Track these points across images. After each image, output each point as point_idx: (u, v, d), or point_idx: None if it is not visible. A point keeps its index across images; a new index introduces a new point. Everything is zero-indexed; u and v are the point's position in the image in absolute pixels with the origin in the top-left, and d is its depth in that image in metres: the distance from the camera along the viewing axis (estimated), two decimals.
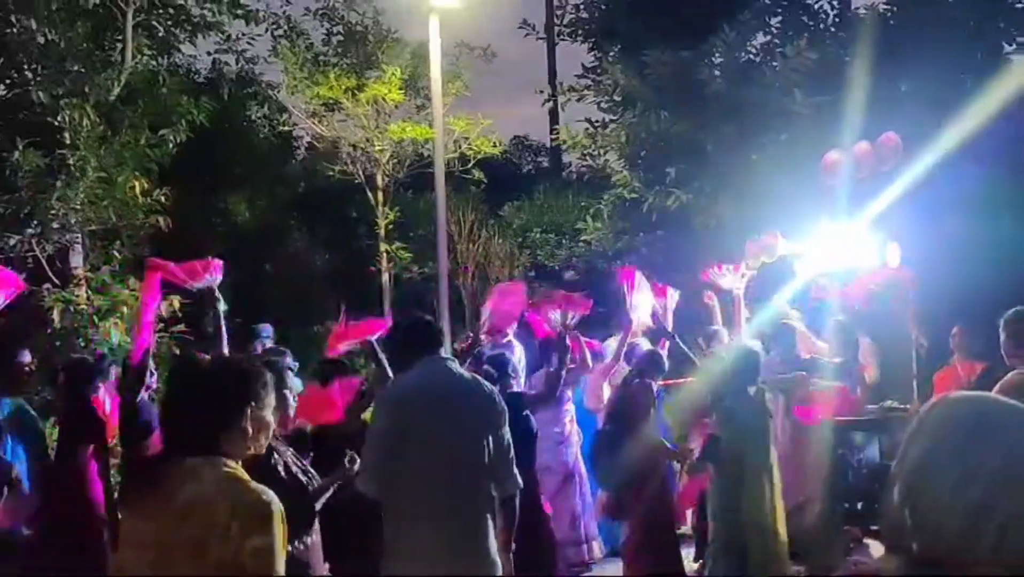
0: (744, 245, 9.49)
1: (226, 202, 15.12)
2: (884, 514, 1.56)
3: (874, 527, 5.93)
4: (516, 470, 3.72)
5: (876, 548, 5.57)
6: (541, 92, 16.36)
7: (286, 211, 16.01)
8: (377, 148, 14.52)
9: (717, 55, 13.54)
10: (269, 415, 2.65)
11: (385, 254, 14.70)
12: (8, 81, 12.33)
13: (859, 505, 6.56)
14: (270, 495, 2.48)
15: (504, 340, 7.69)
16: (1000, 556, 1.41)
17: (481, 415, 3.61)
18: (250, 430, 2.58)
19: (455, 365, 3.81)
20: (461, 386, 3.66)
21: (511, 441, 3.68)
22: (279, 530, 2.45)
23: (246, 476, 2.55)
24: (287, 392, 4.21)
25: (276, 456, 3.73)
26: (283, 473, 3.68)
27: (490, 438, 3.57)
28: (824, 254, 8.36)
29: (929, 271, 8.34)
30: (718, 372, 6.52)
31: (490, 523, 3.55)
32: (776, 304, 7.90)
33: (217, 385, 2.63)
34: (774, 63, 13.41)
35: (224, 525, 2.39)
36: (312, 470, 3.90)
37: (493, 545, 3.55)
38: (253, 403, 2.59)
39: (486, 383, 3.86)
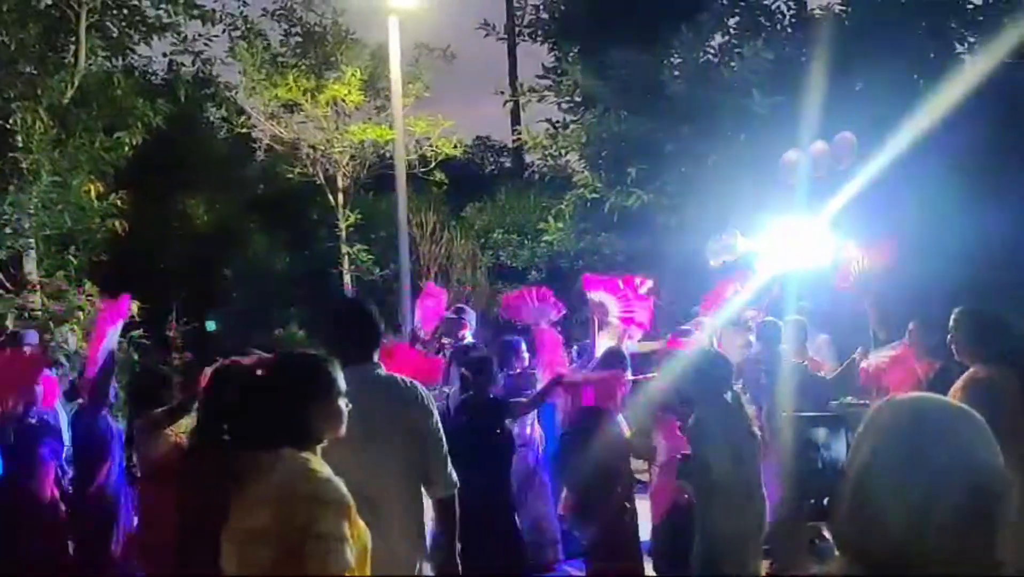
0: (705, 243, 9.58)
1: (184, 205, 14.94)
2: (835, 514, 1.58)
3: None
4: (451, 470, 3.60)
5: None
6: (502, 93, 16.35)
7: (245, 214, 15.86)
8: (337, 149, 14.43)
9: (676, 56, 13.61)
10: (341, 404, 2.76)
11: (347, 256, 14.60)
12: None
13: (824, 501, 6.58)
14: (339, 485, 2.55)
15: (462, 339, 7.68)
16: (942, 556, 1.43)
17: (399, 418, 3.48)
18: (320, 421, 2.69)
19: (380, 370, 3.64)
20: (379, 389, 3.51)
21: (442, 439, 3.58)
22: (345, 520, 2.51)
23: (318, 466, 2.61)
24: None
25: None
26: None
27: (414, 439, 3.48)
28: (784, 252, 8.43)
29: (885, 268, 8.44)
30: (683, 371, 6.58)
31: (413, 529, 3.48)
32: (735, 304, 7.92)
33: (285, 379, 2.74)
34: (732, 64, 13.51)
35: (296, 514, 2.47)
36: None
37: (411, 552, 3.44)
38: (321, 395, 2.71)
39: (406, 380, 3.66)
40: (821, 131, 9.87)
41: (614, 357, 6.67)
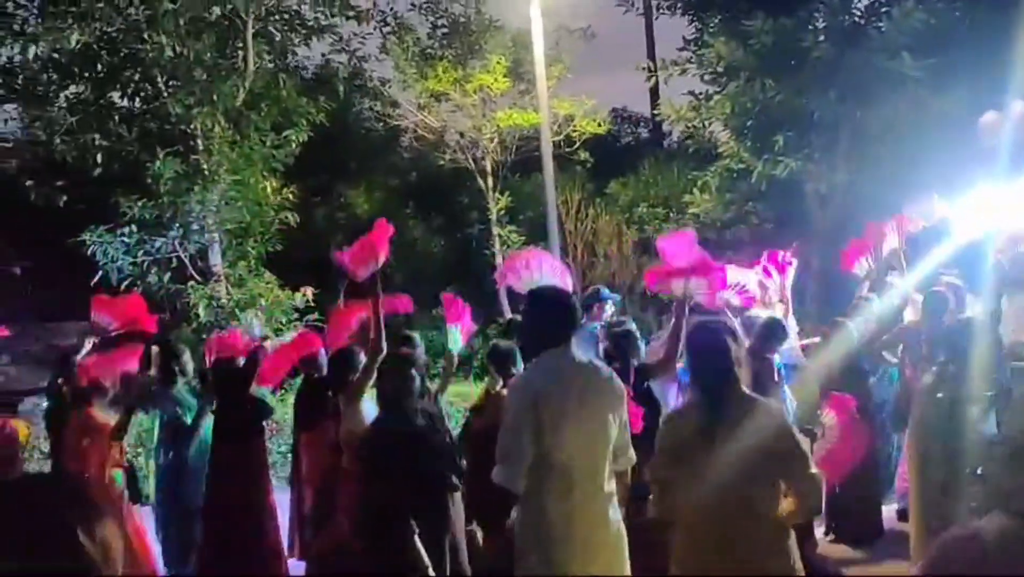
0: (855, 209, 9.44)
1: (344, 196, 15.81)
2: (991, 473, 1.87)
3: None
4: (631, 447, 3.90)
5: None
6: (644, 68, 16.44)
7: (401, 201, 16.62)
8: (486, 136, 14.95)
9: (820, 20, 13.44)
10: None
11: (498, 238, 15.13)
12: (143, 94, 13.23)
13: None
14: None
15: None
16: None
17: (604, 399, 3.75)
18: None
19: (579, 353, 3.85)
20: (583, 373, 3.74)
21: (627, 420, 3.86)
22: None
23: None
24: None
25: None
26: None
27: (614, 419, 3.75)
28: (983, 215, 8.32)
29: None
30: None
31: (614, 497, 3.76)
32: (929, 267, 7.85)
33: None
34: (880, 25, 13.25)
35: None
36: None
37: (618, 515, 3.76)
38: None
39: (601, 365, 3.94)
40: (988, 93, 9.61)
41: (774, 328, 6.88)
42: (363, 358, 5.26)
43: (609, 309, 7.74)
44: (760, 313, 7.99)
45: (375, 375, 4.74)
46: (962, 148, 13.56)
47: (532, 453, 3.52)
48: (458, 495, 4.70)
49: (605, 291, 8.09)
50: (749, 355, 6.46)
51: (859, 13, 14.29)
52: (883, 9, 14.33)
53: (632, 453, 3.92)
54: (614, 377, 3.86)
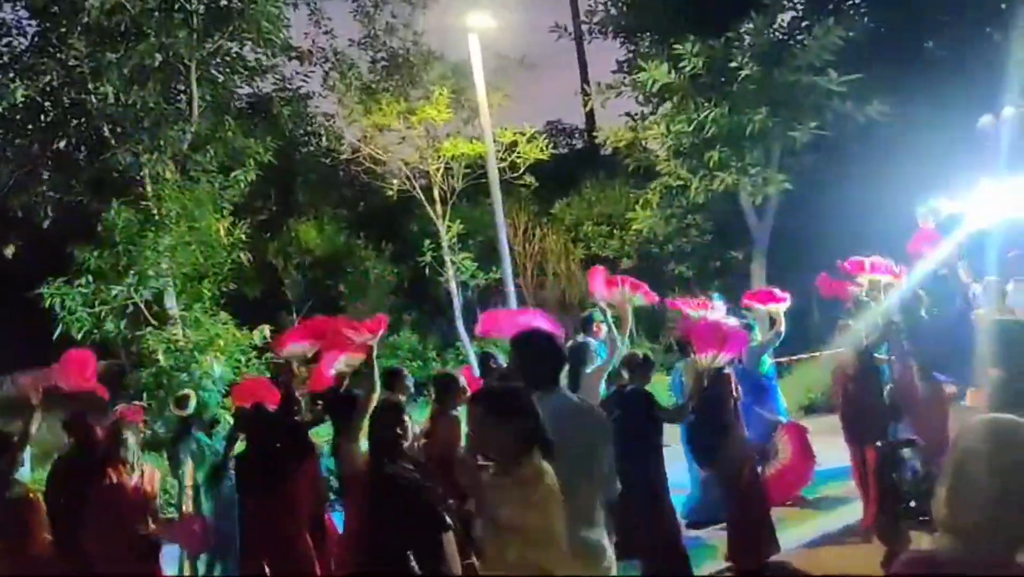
0: (790, 219, 9.89)
1: (296, 231, 16.01)
2: (936, 501, 2.21)
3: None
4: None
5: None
6: (582, 93, 16.95)
7: (352, 232, 16.84)
8: (432, 166, 15.26)
9: (747, 40, 14.00)
10: None
11: (451, 264, 15.42)
12: (89, 143, 13.34)
13: None
14: None
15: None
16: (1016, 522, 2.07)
17: (594, 437, 3.90)
18: None
19: (568, 393, 4.03)
20: (575, 415, 3.89)
21: (613, 453, 3.99)
22: None
23: None
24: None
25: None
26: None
27: (601, 455, 3.91)
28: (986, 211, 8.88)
29: None
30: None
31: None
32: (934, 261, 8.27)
33: None
34: (802, 40, 13.88)
35: None
36: None
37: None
38: None
39: (589, 405, 4.15)
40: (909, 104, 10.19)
41: None
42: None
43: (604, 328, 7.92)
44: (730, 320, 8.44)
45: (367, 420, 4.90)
46: (891, 155, 14.34)
47: None
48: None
49: (596, 312, 8.34)
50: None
51: (783, 31, 14.96)
52: (804, 23, 15.04)
53: (617, 484, 4.10)
54: (600, 413, 4.06)
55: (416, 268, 16.20)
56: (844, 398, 7.56)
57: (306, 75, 15.14)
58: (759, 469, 7.53)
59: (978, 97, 11.92)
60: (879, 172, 14.46)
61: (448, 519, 4.45)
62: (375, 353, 5.34)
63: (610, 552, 3.89)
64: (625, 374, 6.65)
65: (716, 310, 8.80)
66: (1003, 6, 14.94)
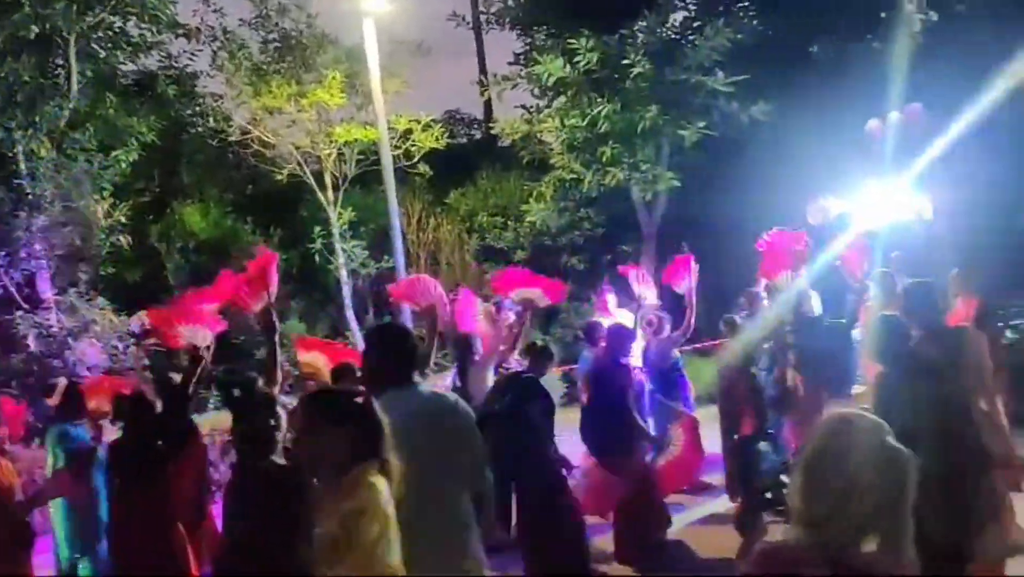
0: (679, 214, 10.09)
1: (180, 213, 15.51)
2: (790, 492, 2.28)
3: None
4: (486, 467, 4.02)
5: None
6: (478, 83, 16.93)
7: (239, 216, 16.41)
8: (324, 151, 14.99)
9: (640, 38, 14.22)
10: None
11: (341, 251, 15.20)
12: None
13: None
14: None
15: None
16: (863, 512, 2.15)
17: (453, 429, 3.81)
18: None
19: (425, 386, 3.96)
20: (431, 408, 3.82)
21: (479, 444, 3.91)
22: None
23: None
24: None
25: None
26: None
27: (464, 446, 3.82)
28: (873, 210, 9.22)
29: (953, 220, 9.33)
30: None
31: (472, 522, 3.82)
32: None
33: None
34: (695, 41, 14.19)
35: None
36: None
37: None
38: None
39: (448, 395, 4.06)
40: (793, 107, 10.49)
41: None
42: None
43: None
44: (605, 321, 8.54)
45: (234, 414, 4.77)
46: (777, 155, 14.81)
47: None
48: None
49: (508, 301, 8.39)
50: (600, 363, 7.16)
51: (675, 31, 15.26)
52: (695, 24, 15.38)
53: (489, 474, 4.06)
54: (459, 404, 3.94)
55: (306, 255, 15.91)
56: (720, 391, 7.85)
57: (193, 53, 14.67)
58: (654, 457, 7.75)
59: (860, 101, 12.47)
60: (765, 171, 14.92)
61: None
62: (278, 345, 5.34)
63: (478, 549, 3.82)
64: (523, 362, 6.77)
65: (610, 302, 9.11)
66: (883, 15, 15.60)
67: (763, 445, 6.61)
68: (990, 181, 9.60)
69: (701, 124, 13.71)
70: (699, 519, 7.68)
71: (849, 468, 2.18)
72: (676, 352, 8.52)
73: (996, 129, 10.25)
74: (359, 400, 3.23)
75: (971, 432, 4.30)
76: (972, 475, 4.19)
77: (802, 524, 2.23)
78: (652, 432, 7.70)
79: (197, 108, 16.76)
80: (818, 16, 15.14)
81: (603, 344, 7.30)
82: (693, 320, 8.30)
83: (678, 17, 15.79)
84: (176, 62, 15.01)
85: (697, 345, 12.70)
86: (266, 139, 15.15)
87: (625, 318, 8.40)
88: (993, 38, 12.58)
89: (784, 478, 5.55)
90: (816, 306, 8.24)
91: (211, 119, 16.16)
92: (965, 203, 9.24)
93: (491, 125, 16.47)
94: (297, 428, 3.46)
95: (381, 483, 3.06)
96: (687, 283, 8.37)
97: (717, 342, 9.11)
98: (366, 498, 3.00)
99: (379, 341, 4.01)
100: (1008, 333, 9.70)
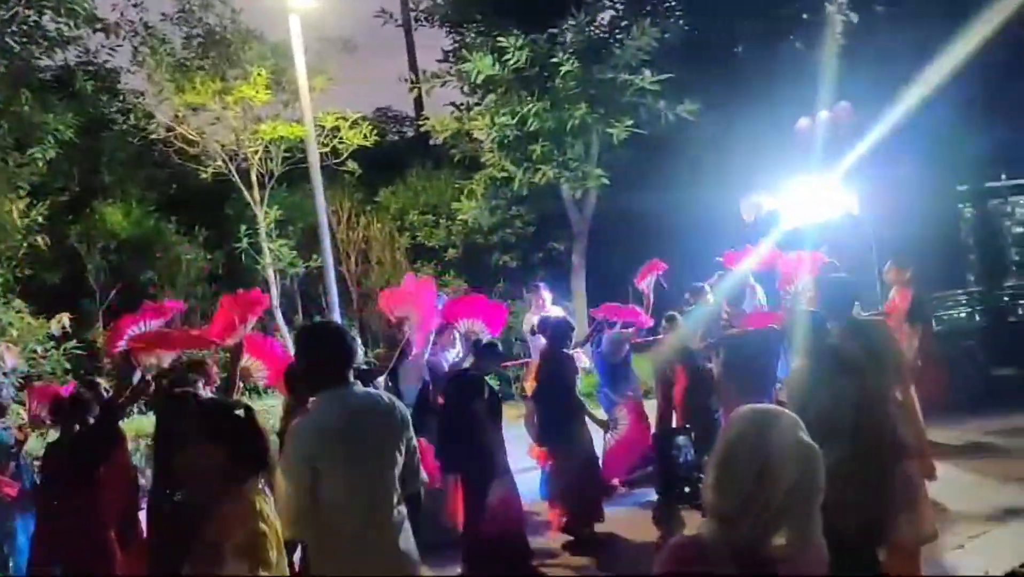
0: (608, 211, 10.16)
1: (100, 213, 15.08)
2: (705, 487, 2.30)
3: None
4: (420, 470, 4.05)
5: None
6: (407, 81, 16.77)
7: (163, 216, 16.03)
8: (250, 149, 14.71)
9: (569, 36, 14.27)
10: None
11: (268, 251, 14.94)
12: None
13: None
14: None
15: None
16: (775, 505, 2.17)
17: (386, 430, 3.79)
18: None
19: (359, 387, 3.88)
20: (365, 409, 3.79)
21: (415, 444, 3.93)
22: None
23: None
24: None
25: None
26: None
27: (399, 447, 3.79)
28: (803, 207, 9.42)
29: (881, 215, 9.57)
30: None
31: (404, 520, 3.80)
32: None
33: None
34: (622, 40, 14.28)
35: None
36: None
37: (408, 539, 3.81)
38: None
39: (384, 395, 3.99)
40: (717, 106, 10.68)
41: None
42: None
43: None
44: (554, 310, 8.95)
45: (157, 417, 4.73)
46: (705, 153, 15.04)
47: (312, 497, 3.52)
48: None
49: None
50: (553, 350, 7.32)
51: (603, 30, 15.36)
52: (623, 23, 15.51)
53: (424, 475, 4.11)
54: (395, 404, 3.92)
55: (232, 255, 15.61)
56: (656, 385, 8.05)
57: (113, 49, 14.23)
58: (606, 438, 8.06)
59: (787, 100, 12.73)
60: (695, 169, 15.17)
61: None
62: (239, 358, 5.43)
63: (410, 548, 3.81)
64: (470, 359, 6.94)
65: (546, 299, 9.29)
66: (804, 16, 15.95)
67: (682, 439, 6.72)
68: (914, 178, 9.87)
69: (629, 122, 13.80)
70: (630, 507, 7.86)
71: (761, 463, 2.19)
72: (627, 347, 8.66)
73: (919, 127, 10.56)
74: (240, 413, 3.16)
75: (887, 424, 4.41)
76: (888, 466, 4.30)
77: (715, 518, 2.25)
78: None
79: (118, 105, 16.31)
80: (742, 17, 15.41)
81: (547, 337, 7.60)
82: (649, 317, 8.54)
83: (606, 16, 15.94)
84: (95, 58, 14.56)
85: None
86: (190, 137, 14.81)
87: (559, 314, 8.66)
88: (913, 39, 12.97)
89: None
90: (761, 296, 8.54)
91: (132, 116, 15.73)
92: (891, 199, 9.51)
93: (421, 123, 16.34)
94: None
95: (265, 505, 3.01)
96: (648, 280, 8.74)
97: (653, 339, 9.31)
98: (251, 528, 2.92)
99: (312, 341, 3.95)
100: (936, 325, 10.09)
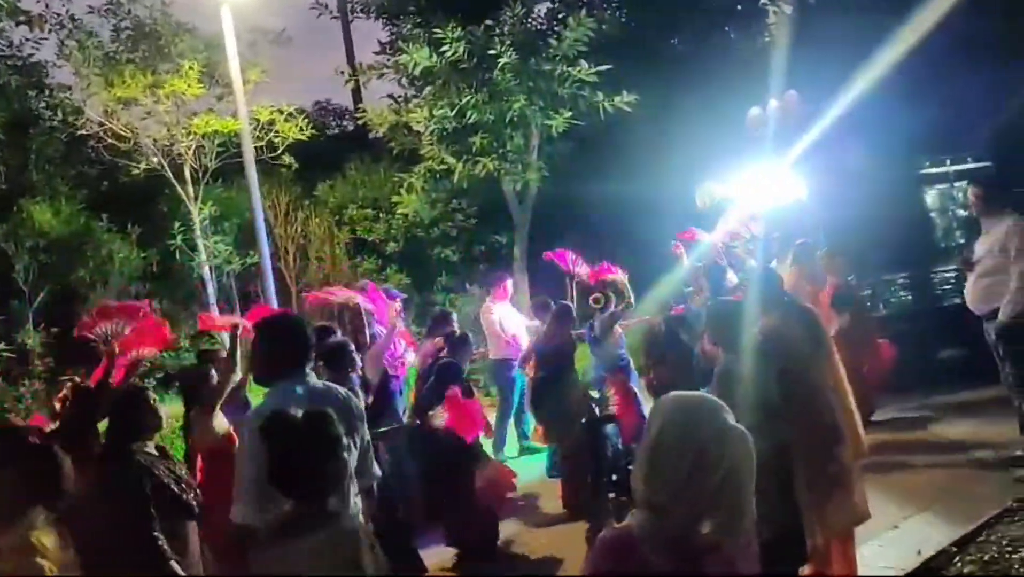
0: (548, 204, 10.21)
1: (27, 211, 14.62)
2: (634, 477, 2.27)
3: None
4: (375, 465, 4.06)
5: None
6: (342, 73, 16.54)
7: (93, 213, 15.61)
8: (183, 144, 14.40)
9: (506, 28, 14.22)
10: None
11: (203, 248, 14.67)
12: None
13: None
14: None
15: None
16: (706, 495, 2.14)
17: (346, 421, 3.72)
18: None
19: (313, 378, 3.91)
20: (319, 400, 3.75)
21: (367, 439, 3.98)
22: None
23: None
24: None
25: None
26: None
27: (352, 440, 3.79)
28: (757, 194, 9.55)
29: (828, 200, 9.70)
30: None
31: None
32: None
33: None
34: (558, 30, 14.28)
35: None
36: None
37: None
38: None
39: (339, 389, 4.00)
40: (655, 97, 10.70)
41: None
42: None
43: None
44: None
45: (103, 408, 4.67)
46: (643, 144, 15.12)
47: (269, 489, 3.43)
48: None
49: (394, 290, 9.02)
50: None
51: (540, 21, 15.33)
52: (560, 15, 15.51)
53: (376, 469, 4.05)
54: (350, 398, 3.94)
55: (166, 252, 15.29)
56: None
57: (37, 42, 13.81)
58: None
59: (725, 90, 12.84)
60: (636, 160, 15.23)
61: (194, 506, 4.20)
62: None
63: (367, 543, 3.79)
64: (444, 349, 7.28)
65: (508, 290, 9.57)
66: (739, 8, 16.13)
67: (609, 428, 6.85)
68: (860, 164, 10.05)
69: (568, 114, 13.80)
70: None
71: (689, 451, 2.17)
72: (619, 329, 8.73)
73: (863, 114, 10.74)
74: (32, 440, 3.08)
75: (818, 408, 4.45)
76: (821, 449, 4.34)
77: (645, 508, 2.22)
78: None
79: (46, 100, 15.83)
80: (677, 8, 15.52)
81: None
82: (631, 299, 8.79)
83: (542, 8, 15.92)
84: (20, 51, 14.08)
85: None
86: (121, 132, 14.46)
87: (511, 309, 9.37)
88: (851, 29, 13.19)
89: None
90: (733, 278, 8.67)
91: (60, 112, 15.29)
92: (837, 185, 9.68)
93: (359, 116, 16.15)
94: None
95: (49, 542, 2.89)
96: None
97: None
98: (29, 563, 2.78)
99: (270, 332, 3.95)
100: (882, 308, 10.30)
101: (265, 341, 3.91)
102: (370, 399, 6.26)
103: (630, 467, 5.08)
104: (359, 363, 6.08)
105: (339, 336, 6.34)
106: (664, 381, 6.52)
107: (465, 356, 7.29)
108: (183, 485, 4.19)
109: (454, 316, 8.64)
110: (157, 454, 4.29)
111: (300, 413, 3.08)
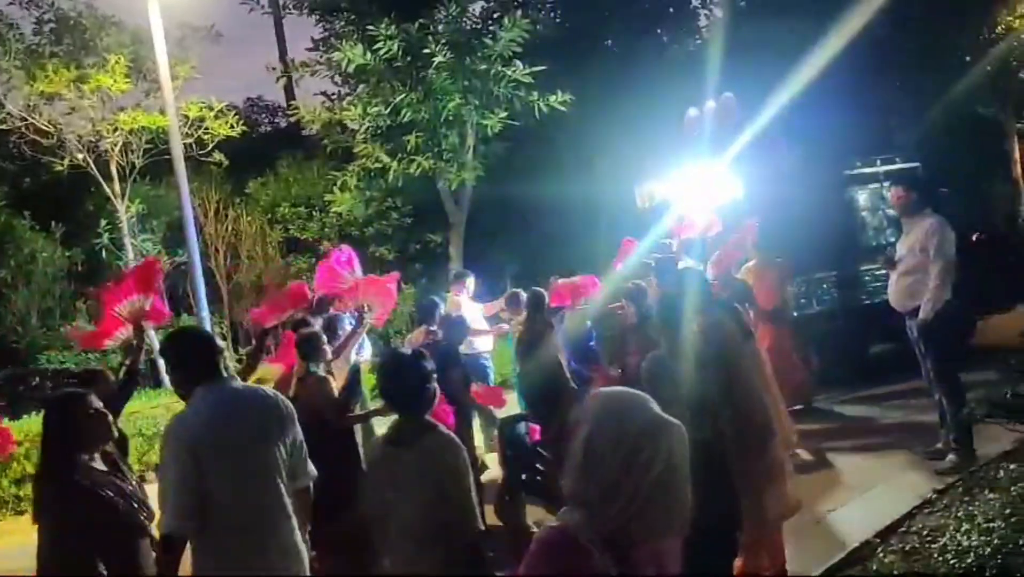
0: (484, 203, 10.26)
1: None
2: (567, 474, 2.27)
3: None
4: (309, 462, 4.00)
5: None
6: (274, 69, 16.29)
7: (15, 211, 15.15)
8: (109, 140, 14.05)
9: (441, 27, 14.18)
10: None
11: (131, 246, 14.34)
12: None
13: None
14: None
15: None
16: (641, 490, 2.15)
17: (270, 424, 3.80)
18: None
19: (237, 382, 3.93)
20: (245, 404, 3.80)
21: (300, 439, 3.92)
22: None
23: None
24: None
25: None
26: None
27: (284, 441, 3.80)
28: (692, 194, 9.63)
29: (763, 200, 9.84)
30: None
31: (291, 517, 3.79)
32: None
33: None
34: (494, 31, 14.28)
35: None
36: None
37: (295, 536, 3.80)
38: None
39: (265, 390, 4.01)
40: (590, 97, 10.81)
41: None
42: None
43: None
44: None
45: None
46: (581, 143, 15.24)
47: (196, 495, 3.49)
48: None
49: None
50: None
51: (475, 21, 15.32)
52: (495, 15, 15.52)
53: (311, 468, 3.98)
54: (279, 399, 3.90)
55: (92, 251, 14.91)
56: None
57: None
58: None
59: (660, 91, 13.00)
60: (568, 161, 15.36)
61: (147, 525, 4.02)
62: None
63: (296, 541, 3.78)
64: (440, 332, 7.23)
65: (468, 285, 9.85)
66: (671, 10, 16.36)
67: (522, 427, 6.91)
68: (793, 165, 10.26)
69: (503, 114, 13.82)
70: None
71: (622, 446, 2.17)
72: (588, 323, 8.76)
73: (796, 116, 10.98)
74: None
75: (754, 400, 4.53)
76: (752, 445, 4.41)
77: (578, 506, 2.23)
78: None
79: None
80: (610, 10, 15.68)
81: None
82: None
83: (477, 8, 15.90)
84: None
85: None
86: (44, 128, 14.05)
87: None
88: (784, 32, 13.48)
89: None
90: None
91: None
92: (772, 185, 9.88)
93: (291, 112, 15.95)
94: None
95: None
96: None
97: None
98: None
99: (175, 350, 3.93)
100: (815, 305, 10.54)
101: (174, 359, 3.90)
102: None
103: (539, 466, 5.20)
104: (328, 355, 6.12)
105: (314, 327, 6.39)
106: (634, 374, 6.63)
107: (460, 337, 7.28)
108: (134, 503, 4.01)
109: (441, 306, 8.58)
110: (105, 469, 3.99)
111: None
